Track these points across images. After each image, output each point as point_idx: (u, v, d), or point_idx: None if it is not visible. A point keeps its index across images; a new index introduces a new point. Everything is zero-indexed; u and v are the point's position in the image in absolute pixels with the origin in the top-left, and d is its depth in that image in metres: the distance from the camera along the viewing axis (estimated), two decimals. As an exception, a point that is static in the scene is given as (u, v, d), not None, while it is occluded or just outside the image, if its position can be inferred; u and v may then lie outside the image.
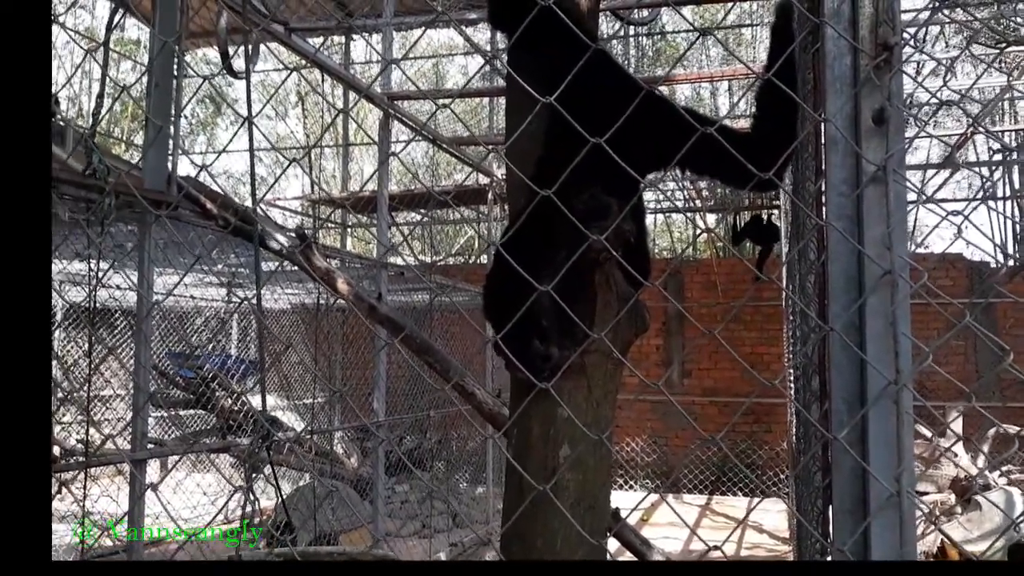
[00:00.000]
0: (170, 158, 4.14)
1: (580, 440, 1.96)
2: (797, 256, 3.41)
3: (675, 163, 2.01)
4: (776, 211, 8.80)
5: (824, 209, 1.11)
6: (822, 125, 1.12)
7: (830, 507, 1.05)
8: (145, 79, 3.61)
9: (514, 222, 1.97)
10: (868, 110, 1.05)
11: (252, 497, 2.58)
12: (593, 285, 1.95)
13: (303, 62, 5.55)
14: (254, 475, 2.26)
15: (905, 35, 1.25)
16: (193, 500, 7.90)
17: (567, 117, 1.55)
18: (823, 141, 1.10)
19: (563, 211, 1.75)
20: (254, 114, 2.16)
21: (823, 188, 1.10)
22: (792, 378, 6.42)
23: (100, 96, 2.22)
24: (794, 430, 6.44)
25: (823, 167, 1.10)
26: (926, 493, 7.44)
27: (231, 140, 2.43)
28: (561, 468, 1.93)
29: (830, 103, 1.09)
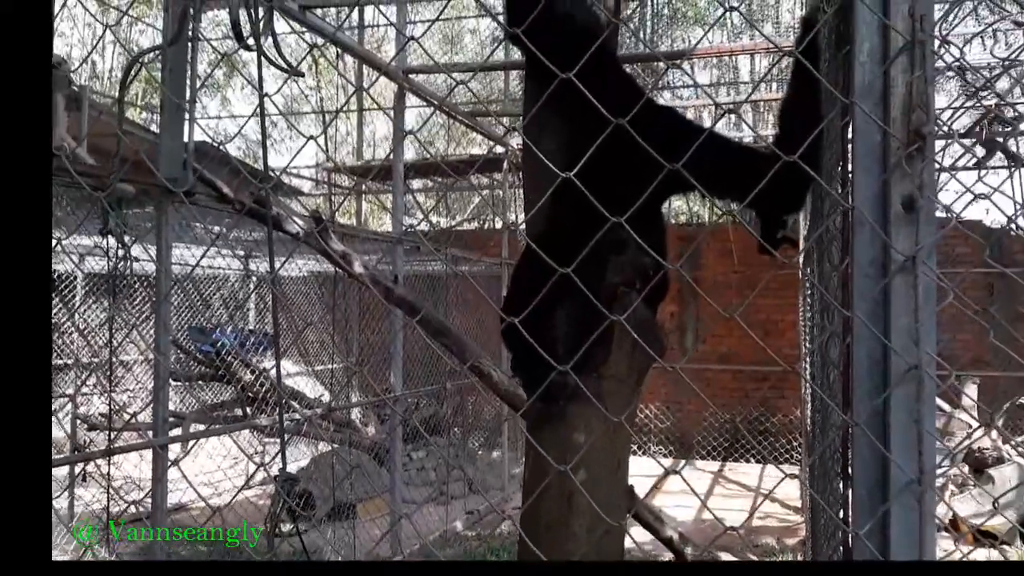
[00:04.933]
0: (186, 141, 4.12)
1: (597, 465, 1.97)
2: (816, 247, 3.36)
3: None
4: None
5: (850, 288, 1.09)
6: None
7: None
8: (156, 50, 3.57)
9: (529, 248, 1.95)
10: (898, 196, 1.02)
11: (283, 500, 2.62)
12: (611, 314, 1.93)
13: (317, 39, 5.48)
14: (282, 483, 2.29)
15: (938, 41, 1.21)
16: (213, 464, 8.06)
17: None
18: (850, 221, 1.07)
19: (581, 242, 1.74)
20: (266, 84, 2.09)
21: (849, 268, 1.08)
22: (807, 350, 6.41)
23: (117, 147, 2.19)
24: (808, 400, 6.45)
25: (850, 246, 1.08)
26: (939, 466, 7.46)
27: (248, 118, 2.39)
28: (577, 493, 1.95)
29: (859, 181, 1.06)
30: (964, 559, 1.03)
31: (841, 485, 1.39)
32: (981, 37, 6.41)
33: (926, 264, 0.99)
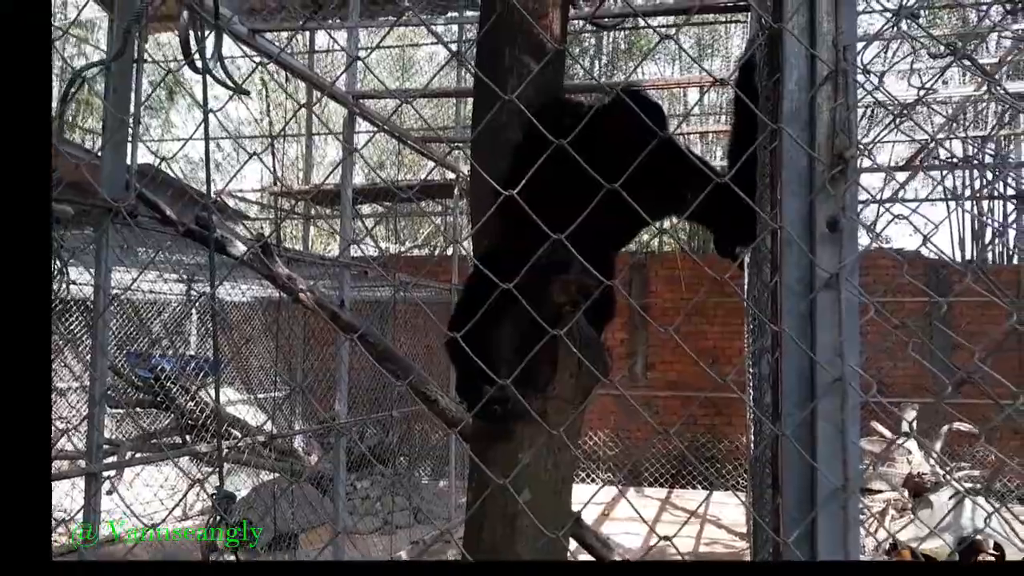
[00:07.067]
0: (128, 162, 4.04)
1: (541, 485, 1.98)
2: (755, 268, 3.44)
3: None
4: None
5: (779, 301, 1.12)
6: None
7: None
8: (100, 65, 3.51)
9: (477, 268, 1.97)
10: (822, 216, 1.06)
11: (220, 516, 2.57)
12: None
13: (266, 60, 5.46)
14: (222, 503, 2.24)
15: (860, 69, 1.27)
16: (150, 495, 7.82)
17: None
18: (779, 240, 1.11)
19: (525, 262, 1.75)
20: (212, 102, 2.06)
21: (778, 286, 1.11)
22: (751, 374, 6.52)
23: (52, 169, 2.15)
24: (753, 424, 6.55)
25: (778, 264, 1.12)
26: (880, 491, 7.61)
27: (192, 135, 2.36)
28: (521, 515, 1.95)
29: (786, 203, 1.10)
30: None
31: (772, 496, 1.43)
32: (917, 72, 6.70)
33: (849, 281, 1.04)
